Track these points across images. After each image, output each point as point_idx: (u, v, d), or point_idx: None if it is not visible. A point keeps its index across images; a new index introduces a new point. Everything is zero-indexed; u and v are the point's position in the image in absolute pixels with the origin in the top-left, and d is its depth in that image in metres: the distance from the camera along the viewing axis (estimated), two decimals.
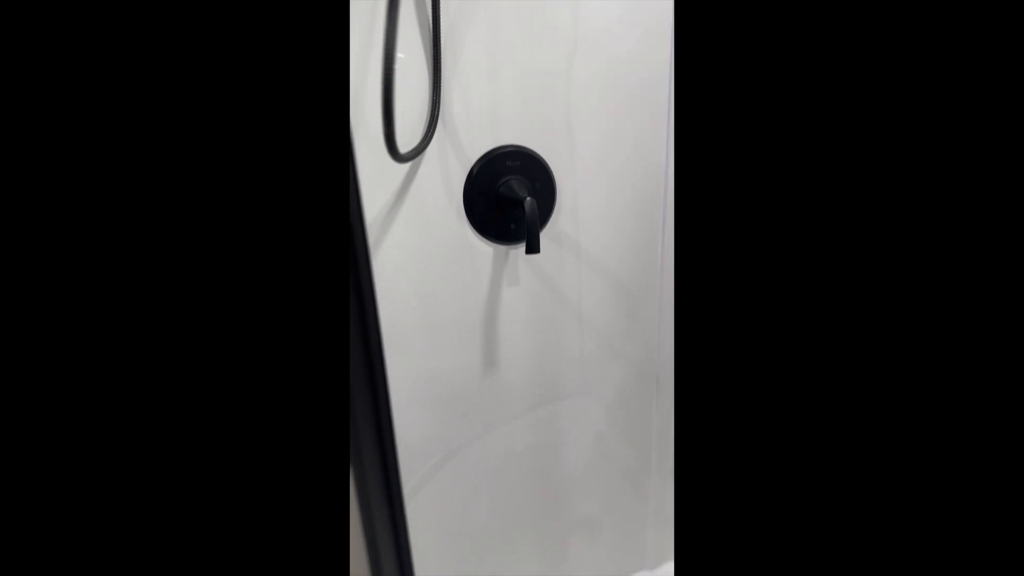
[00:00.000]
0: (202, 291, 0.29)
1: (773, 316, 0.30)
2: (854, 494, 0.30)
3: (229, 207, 0.29)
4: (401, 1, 0.54)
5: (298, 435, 0.31)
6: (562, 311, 0.89)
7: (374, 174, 0.72)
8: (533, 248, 0.73)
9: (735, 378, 0.31)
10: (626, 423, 1.01)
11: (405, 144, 0.69)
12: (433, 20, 0.67)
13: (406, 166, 0.73)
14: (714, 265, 0.31)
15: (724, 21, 0.30)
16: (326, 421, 0.31)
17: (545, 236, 0.84)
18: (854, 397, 0.30)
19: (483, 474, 0.93)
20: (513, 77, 0.76)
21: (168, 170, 0.28)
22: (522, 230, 0.81)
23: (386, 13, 0.52)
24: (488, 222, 0.80)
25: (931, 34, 0.27)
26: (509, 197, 0.77)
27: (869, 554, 0.30)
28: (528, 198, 0.73)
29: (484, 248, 0.81)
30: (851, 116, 0.29)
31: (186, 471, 0.30)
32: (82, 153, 0.27)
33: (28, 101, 0.26)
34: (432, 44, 0.69)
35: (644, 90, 0.84)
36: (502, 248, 0.82)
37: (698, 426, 0.32)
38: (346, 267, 0.34)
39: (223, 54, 0.28)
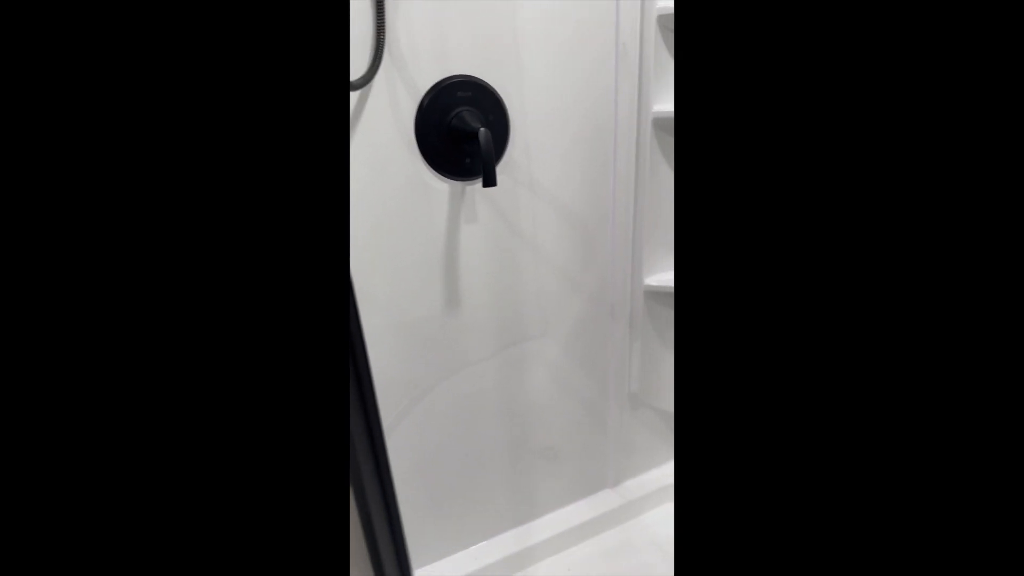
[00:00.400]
0: (195, 251, 0.28)
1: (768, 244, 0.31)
2: (852, 429, 0.30)
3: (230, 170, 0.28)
4: None
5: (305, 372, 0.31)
6: (520, 247, 0.90)
7: None
8: (490, 181, 0.72)
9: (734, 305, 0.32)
10: (584, 355, 1.05)
11: (352, 74, 0.65)
12: None
13: (353, 103, 0.70)
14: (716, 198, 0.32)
15: None
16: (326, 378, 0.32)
17: (500, 170, 0.83)
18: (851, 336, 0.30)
19: (453, 411, 0.94)
20: (458, 11, 0.73)
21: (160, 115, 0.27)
22: (477, 165, 0.80)
23: None
24: (442, 157, 0.78)
25: None
26: (462, 129, 0.75)
27: (865, 471, 0.31)
28: (482, 128, 0.72)
29: (440, 186, 0.79)
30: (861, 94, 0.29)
31: (195, 439, 0.30)
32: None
33: (28, 101, 0.25)
34: None
35: (592, 23, 0.83)
36: (458, 185, 0.81)
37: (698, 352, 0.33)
38: (345, 228, 0.33)
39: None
